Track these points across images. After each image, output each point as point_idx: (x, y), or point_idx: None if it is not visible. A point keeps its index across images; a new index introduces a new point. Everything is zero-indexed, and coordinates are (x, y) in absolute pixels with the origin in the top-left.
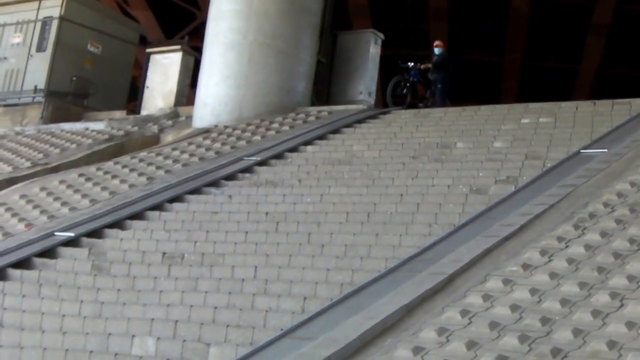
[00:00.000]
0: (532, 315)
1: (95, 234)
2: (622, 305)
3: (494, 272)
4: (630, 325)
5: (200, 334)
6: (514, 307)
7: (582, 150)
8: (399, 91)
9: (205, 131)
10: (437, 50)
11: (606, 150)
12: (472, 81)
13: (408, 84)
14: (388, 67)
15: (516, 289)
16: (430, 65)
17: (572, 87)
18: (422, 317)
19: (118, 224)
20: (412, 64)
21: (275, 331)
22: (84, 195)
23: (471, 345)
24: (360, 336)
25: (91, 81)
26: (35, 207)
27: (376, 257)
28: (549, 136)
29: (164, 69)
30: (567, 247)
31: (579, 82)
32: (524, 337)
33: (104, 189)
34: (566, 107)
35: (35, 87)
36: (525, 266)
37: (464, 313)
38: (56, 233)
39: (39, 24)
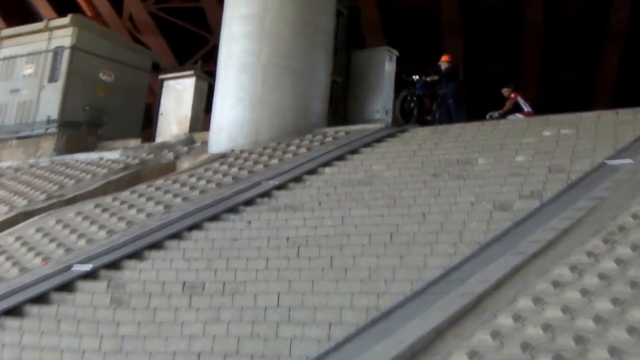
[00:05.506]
0: (565, 334)
1: (114, 265)
2: None
3: (523, 291)
4: None
5: None
6: (546, 327)
7: (607, 161)
8: (407, 106)
9: (222, 156)
10: (443, 66)
11: (632, 160)
12: (489, 94)
13: (414, 98)
14: (402, 84)
15: (547, 307)
16: (436, 78)
17: (592, 97)
18: (452, 341)
19: (136, 255)
20: (417, 77)
21: None
22: (101, 227)
23: None
24: None
25: (105, 110)
26: (51, 240)
27: (401, 280)
28: (571, 148)
29: (177, 94)
30: (597, 262)
31: (598, 92)
32: (558, 357)
33: (120, 219)
34: (587, 117)
35: (49, 117)
36: (556, 283)
37: (495, 335)
38: (74, 267)
39: (50, 55)
